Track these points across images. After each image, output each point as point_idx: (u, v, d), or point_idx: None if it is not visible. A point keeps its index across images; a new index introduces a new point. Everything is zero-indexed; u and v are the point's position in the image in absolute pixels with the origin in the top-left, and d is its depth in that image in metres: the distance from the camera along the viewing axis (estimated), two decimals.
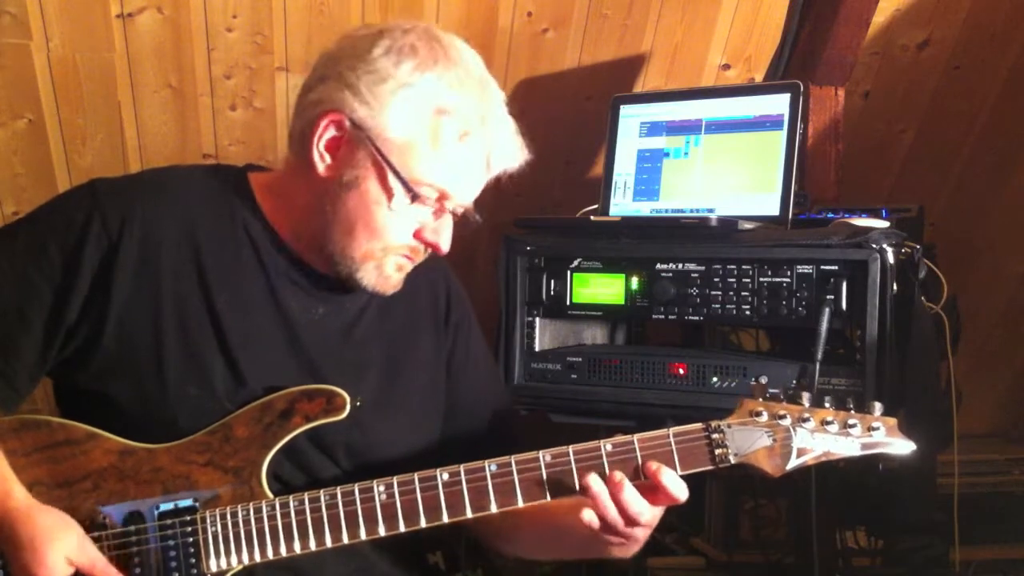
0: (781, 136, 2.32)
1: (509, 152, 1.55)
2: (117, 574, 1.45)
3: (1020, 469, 3.13)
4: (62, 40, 2.66)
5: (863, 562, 2.90)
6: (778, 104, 2.34)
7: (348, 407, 1.52)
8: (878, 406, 1.49)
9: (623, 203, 2.51)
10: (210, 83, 2.81)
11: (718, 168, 2.41)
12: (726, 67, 3.00)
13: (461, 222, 1.58)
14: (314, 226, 1.55)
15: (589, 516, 1.45)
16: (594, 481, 1.45)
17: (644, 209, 2.47)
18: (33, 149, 2.84)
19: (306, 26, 2.75)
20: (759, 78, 2.95)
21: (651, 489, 1.46)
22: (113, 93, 2.78)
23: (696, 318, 2.21)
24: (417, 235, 1.54)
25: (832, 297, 2.05)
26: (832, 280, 2.06)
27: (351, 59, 1.50)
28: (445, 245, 1.56)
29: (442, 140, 1.49)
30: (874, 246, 2.01)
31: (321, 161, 1.51)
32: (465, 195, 1.55)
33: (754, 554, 2.87)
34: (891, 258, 2.02)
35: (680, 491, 1.46)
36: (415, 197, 1.49)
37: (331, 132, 1.50)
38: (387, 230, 1.52)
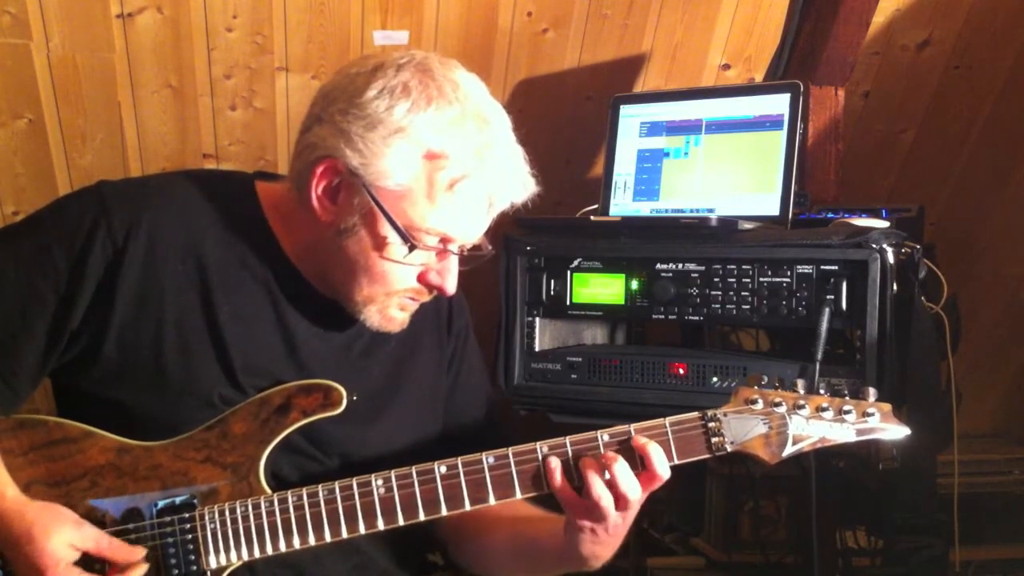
0: (781, 136, 2.32)
1: (512, 188, 1.50)
2: (122, 544, 1.45)
3: (1020, 469, 3.13)
4: (62, 40, 2.66)
5: (863, 562, 2.90)
6: (778, 104, 2.34)
7: (345, 401, 1.51)
8: (872, 392, 1.49)
9: (623, 203, 2.51)
10: (210, 83, 2.81)
11: (718, 168, 2.41)
12: (726, 67, 3.00)
13: (471, 257, 1.55)
14: (318, 260, 1.54)
15: (563, 487, 1.45)
16: (587, 459, 1.46)
17: (644, 209, 2.47)
18: (33, 149, 2.85)
19: (306, 26, 2.75)
20: (759, 78, 2.96)
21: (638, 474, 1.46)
22: (113, 93, 2.79)
23: (696, 318, 2.21)
24: (421, 277, 1.52)
25: (832, 297, 2.05)
26: (832, 280, 2.05)
27: (344, 102, 1.46)
28: (451, 287, 1.53)
29: (438, 187, 1.45)
30: (874, 246, 2.01)
31: (320, 206, 1.49)
32: (469, 236, 1.52)
33: (754, 554, 2.87)
34: (891, 258, 2.01)
35: (663, 468, 1.45)
36: (413, 246, 1.47)
37: (328, 178, 1.48)
38: (388, 276, 1.50)
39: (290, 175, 1.55)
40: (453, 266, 1.53)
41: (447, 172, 1.45)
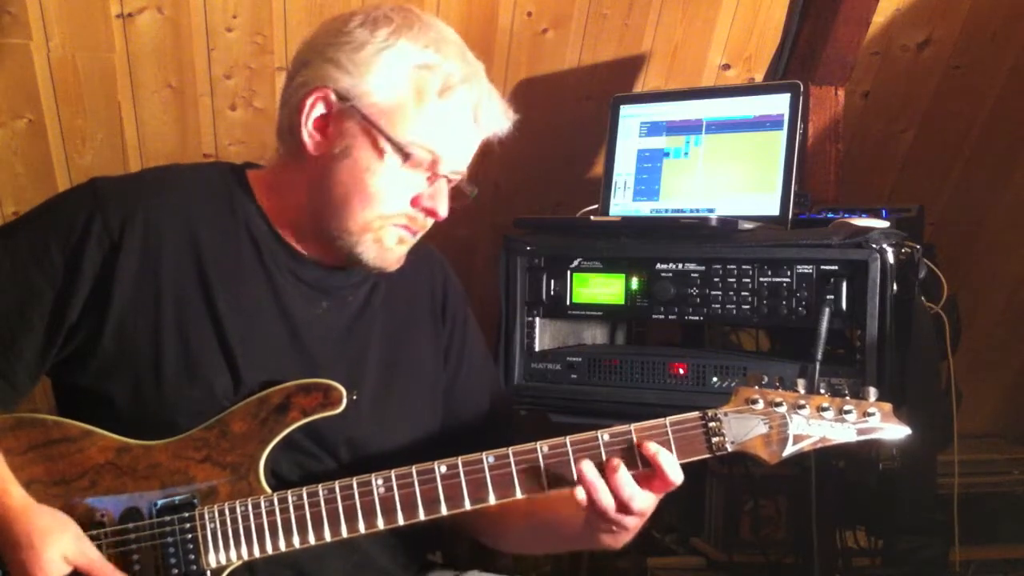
0: (781, 136, 2.32)
1: (495, 110, 1.55)
2: (115, 571, 1.44)
3: (1020, 469, 3.13)
4: (62, 40, 2.66)
5: (863, 562, 2.89)
6: (778, 104, 2.35)
7: (345, 401, 1.51)
8: (873, 392, 1.49)
9: (623, 203, 2.51)
10: (210, 83, 2.81)
11: (718, 168, 2.41)
12: (726, 67, 3.00)
13: (456, 194, 1.58)
14: (312, 211, 1.55)
15: (582, 494, 1.45)
16: (587, 467, 1.45)
17: (644, 209, 2.47)
18: (33, 149, 2.85)
19: (306, 26, 2.74)
20: (759, 78, 2.96)
21: (647, 477, 1.46)
22: (113, 93, 2.78)
23: (696, 318, 2.21)
24: (414, 203, 1.54)
25: (832, 297, 2.05)
26: (832, 280, 2.06)
27: (329, 36, 1.53)
28: (443, 210, 1.56)
29: (426, 96, 1.50)
30: (874, 246, 2.02)
31: (311, 139, 1.52)
32: (457, 158, 1.55)
33: (754, 554, 2.87)
34: (891, 258, 2.02)
35: (676, 473, 1.45)
36: (406, 157, 1.50)
37: (318, 109, 1.51)
38: (381, 196, 1.52)
39: (279, 132, 1.58)
40: (443, 191, 1.55)
41: (434, 80, 1.50)
